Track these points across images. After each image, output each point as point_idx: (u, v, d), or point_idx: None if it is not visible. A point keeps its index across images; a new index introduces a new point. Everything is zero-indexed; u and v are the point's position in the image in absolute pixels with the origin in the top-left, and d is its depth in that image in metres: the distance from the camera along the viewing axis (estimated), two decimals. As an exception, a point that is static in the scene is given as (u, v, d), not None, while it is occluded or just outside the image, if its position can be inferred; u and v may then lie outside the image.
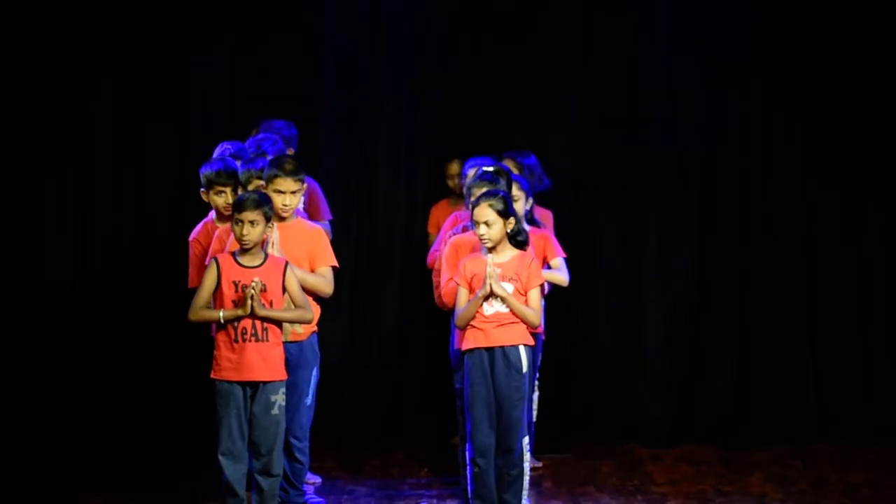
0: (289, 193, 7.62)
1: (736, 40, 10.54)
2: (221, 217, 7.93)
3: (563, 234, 9.16)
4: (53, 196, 10.19)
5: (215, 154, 8.20)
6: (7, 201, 10.13)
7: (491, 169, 7.90)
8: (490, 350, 7.45)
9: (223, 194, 7.92)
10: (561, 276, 8.32)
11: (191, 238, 8.07)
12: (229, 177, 7.92)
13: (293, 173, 7.63)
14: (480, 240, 7.44)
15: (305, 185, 7.81)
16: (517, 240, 7.55)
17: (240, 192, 7.72)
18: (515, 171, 8.57)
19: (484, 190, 7.59)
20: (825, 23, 10.54)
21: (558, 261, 8.29)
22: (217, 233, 7.70)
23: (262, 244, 7.33)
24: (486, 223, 7.40)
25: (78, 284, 10.20)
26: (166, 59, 10.29)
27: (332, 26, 10.42)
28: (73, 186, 10.23)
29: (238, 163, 7.99)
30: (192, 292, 7.44)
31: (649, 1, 10.56)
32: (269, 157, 7.87)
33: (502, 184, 7.75)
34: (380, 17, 10.46)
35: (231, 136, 8.83)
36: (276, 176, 7.60)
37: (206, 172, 7.95)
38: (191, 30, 10.33)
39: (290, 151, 8.71)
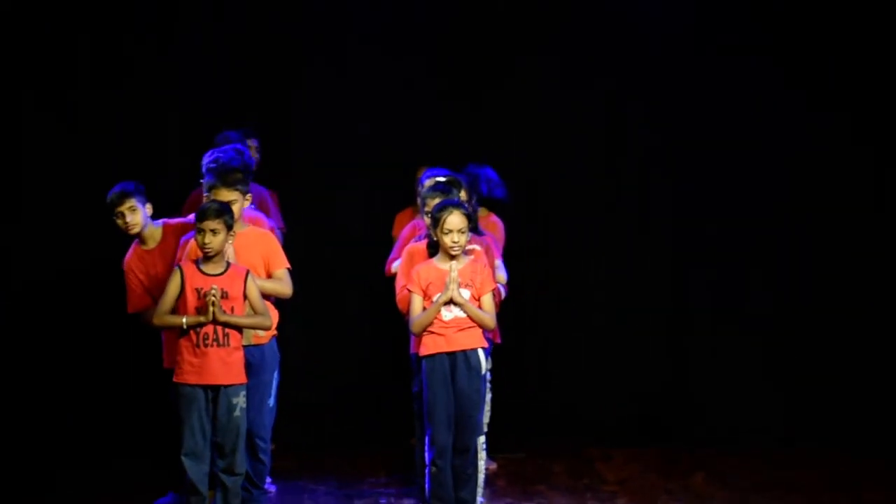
0: (234, 203, 7.47)
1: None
2: (142, 237, 7.92)
3: (518, 239, 9.27)
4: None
5: (205, 160, 8.01)
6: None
7: (443, 179, 7.86)
8: (451, 354, 7.48)
9: (133, 210, 7.82)
10: (500, 273, 8.24)
11: (124, 266, 7.97)
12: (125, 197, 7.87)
13: (232, 184, 7.52)
14: (451, 247, 7.41)
15: (248, 195, 7.68)
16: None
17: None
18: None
19: (437, 199, 7.58)
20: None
21: (497, 262, 8.24)
22: (190, 244, 7.54)
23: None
24: (461, 231, 7.41)
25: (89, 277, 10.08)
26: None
27: (307, 38, 10.37)
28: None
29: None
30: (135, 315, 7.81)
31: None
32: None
33: (455, 193, 7.72)
34: (349, 26, 10.43)
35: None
36: (215, 186, 7.53)
37: (108, 199, 7.87)
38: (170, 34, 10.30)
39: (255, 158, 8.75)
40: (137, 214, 7.83)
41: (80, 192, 10.03)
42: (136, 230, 7.84)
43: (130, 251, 7.97)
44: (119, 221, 7.83)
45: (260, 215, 8.09)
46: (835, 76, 10.52)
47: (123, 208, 7.81)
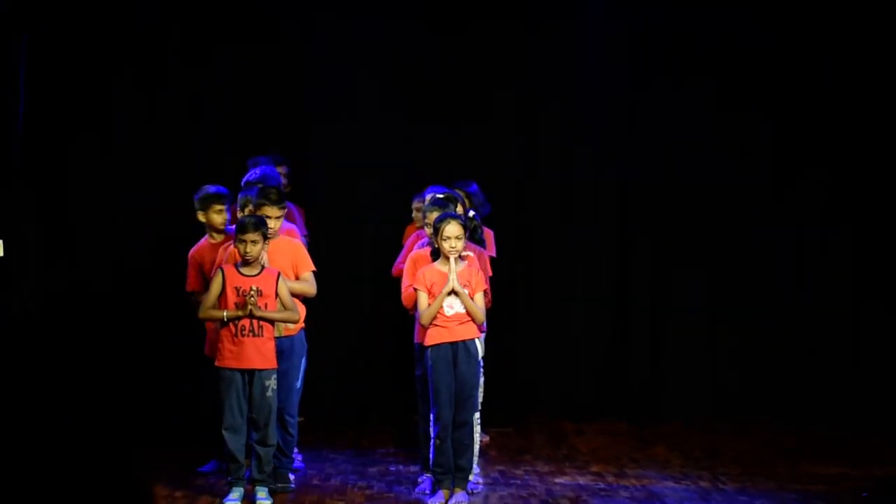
0: (273, 218, 7.66)
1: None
2: (217, 232, 8.07)
3: (505, 243, 9.31)
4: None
5: (249, 177, 8.18)
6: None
7: (442, 196, 7.95)
8: (453, 344, 7.54)
9: (221, 212, 8.04)
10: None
11: (190, 254, 8.13)
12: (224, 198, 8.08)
13: (277, 202, 7.70)
14: (450, 251, 7.51)
15: (286, 209, 7.86)
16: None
17: (239, 215, 7.77)
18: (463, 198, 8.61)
19: (436, 213, 7.68)
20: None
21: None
22: (229, 250, 7.68)
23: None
24: (458, 237, 7.52)
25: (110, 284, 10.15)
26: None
27: (318, 64, 10.42)
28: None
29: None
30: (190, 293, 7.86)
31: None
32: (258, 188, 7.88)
33: (451, 207, 7.82)
34: (362, 56, 10.51)
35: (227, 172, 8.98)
36: (263, 204, 7.66)
37: (203, 195, 8.05)
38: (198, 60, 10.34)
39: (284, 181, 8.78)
40: (223, 214, 8.07)
41: (125, 197, 10.17)
42: (221, 227, 8.05)
43: (202, 242, 8.09)
44: (202, 217, 8.04)
45: (294, 227, 8.18)
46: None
47: (220, 206, 8.05)
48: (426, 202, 8.06)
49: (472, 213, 8.31)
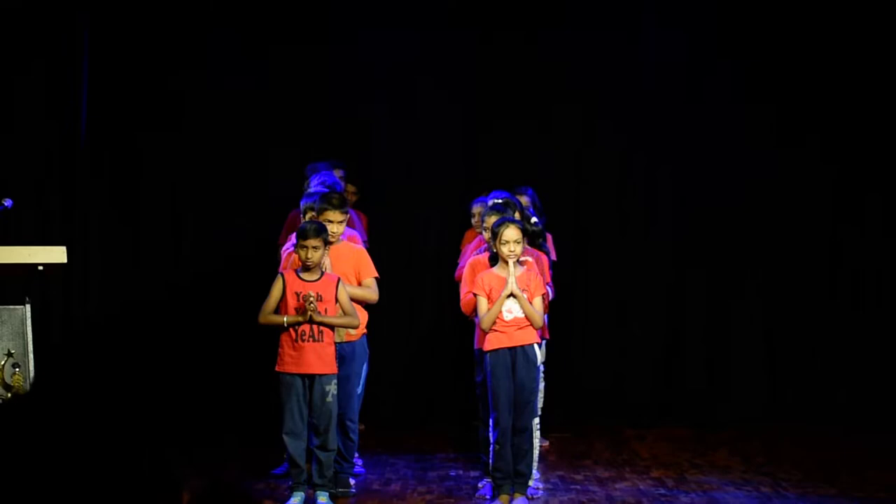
0: (336, 223, 7.59)
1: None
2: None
3: (564, 249, 9.26)
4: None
5: (314, 183, 8.07)
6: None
7: (500, 201, 7.86)
8: (512, 349, 7.44)
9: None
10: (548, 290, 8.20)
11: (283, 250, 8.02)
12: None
13: (339, 206, 7.63)
14: (508, 255, 7.41)
15: (348, 214, 7.79)
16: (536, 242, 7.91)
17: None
18: (524, 202, 8.51)
19: (495, 217, 7.60)
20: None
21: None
22: (292, 256, 7.57)
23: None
24: (516, 241, 7.41)
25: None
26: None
27: (379, 70, 10.35)
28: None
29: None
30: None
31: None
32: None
33: (508, 212, 7.71)
34: (422, 62, 10.44)
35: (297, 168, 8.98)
36: (325, 209, 7.60)
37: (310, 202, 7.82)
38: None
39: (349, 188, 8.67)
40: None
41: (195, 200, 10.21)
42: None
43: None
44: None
45: (356, 234, 8.11)
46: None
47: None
48: (486, 207, 7.97)
49: (534, 220, 8.17)
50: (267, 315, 7.35)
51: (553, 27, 10.46)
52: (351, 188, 8.60)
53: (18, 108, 9.71)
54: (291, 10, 10.32)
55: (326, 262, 7.49)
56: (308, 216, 7.67)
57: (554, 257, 8.70)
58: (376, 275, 7.80)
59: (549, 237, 8.94)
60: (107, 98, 9.99)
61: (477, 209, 8.73)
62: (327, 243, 7.37)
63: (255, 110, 10.27)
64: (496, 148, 10.48)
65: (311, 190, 7.93)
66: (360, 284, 7.73)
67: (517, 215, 7.77)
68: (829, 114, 10.47)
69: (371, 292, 7.75)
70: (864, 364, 10.45)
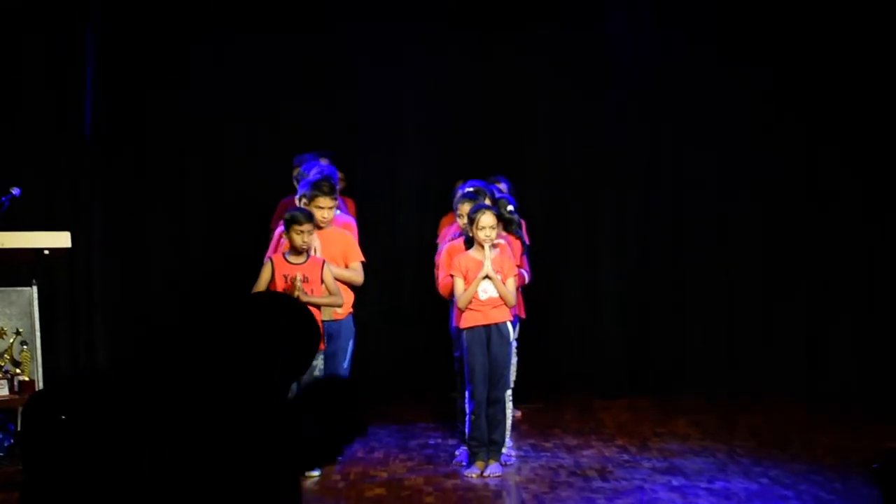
0: (326, 209, 7.68)
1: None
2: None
3: (536, 233, 9.22)
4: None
5: (311, 172, 8.10)
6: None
7: (472, 189, 7.94)
8: (487, 327, 7.56)
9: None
10: (524, 273, 8.28)
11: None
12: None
13: (329, 193, 7.70)
14: (484, 239, 7.53)
15: (337, 201, 7.85)
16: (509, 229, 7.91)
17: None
18: (502, 189, 8.58)
19: (468, 204, 7.71)
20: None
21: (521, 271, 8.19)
22: (283, 241, 7.66)
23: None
24: (491, 227, 7.54)
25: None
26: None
27: (364, 70, 10.38)
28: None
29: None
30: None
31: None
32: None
33: (480, 199, 7.79)
34: (404, 63, 10.48)
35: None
36: (316, 195, 7.68)
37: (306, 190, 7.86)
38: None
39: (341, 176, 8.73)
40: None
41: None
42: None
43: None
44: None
45: (352, 221, 8.14)
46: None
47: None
48: (458, 196, 8.05)
49: (510, 207, 8.27)
50: (255, 297, 7.48)
51: (533, 20, 10.53)
52: (339, 175, 8.69)
53: (26, 97, 9.65)
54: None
55: (316, 244, 7.58)
56: (302, 203, 7.74)
57: (528, 242, 8.77)
58: (363, 259, 7.86)
59: (523, 223, 9.04)
60: (112, 79, 9.97)
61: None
62: (316, 227, 7.46)
63: (253, 94, 10.33)
64: (475, 139, 10.54)
65: (309, 178, 7.98)
66: (347, 267, 7.79)
67: (488, 202, 7.85)
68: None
69: (357, 275, 7.81)
70: (815, 337, 10.52)
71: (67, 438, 2.24)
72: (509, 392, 7.80)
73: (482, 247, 7.59)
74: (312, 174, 8.00)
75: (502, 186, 8.64)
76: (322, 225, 7.67)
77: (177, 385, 2.64)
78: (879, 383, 10.21)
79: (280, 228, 7.73)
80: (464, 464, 7.77)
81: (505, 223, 7.96)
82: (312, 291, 7.41)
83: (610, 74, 10.57)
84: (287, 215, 7.52)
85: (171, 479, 2.49)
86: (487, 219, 7.55)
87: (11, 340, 7.24)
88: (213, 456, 2.71)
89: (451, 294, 7.70)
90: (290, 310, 3.80)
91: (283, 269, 7.43)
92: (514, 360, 8.05)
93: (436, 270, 8.05)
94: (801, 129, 10.53)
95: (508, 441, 7.92)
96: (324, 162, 8.68)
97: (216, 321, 2.76)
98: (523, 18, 10.49)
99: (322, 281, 7.47)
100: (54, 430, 2.25)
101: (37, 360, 7.27)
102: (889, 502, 4.52)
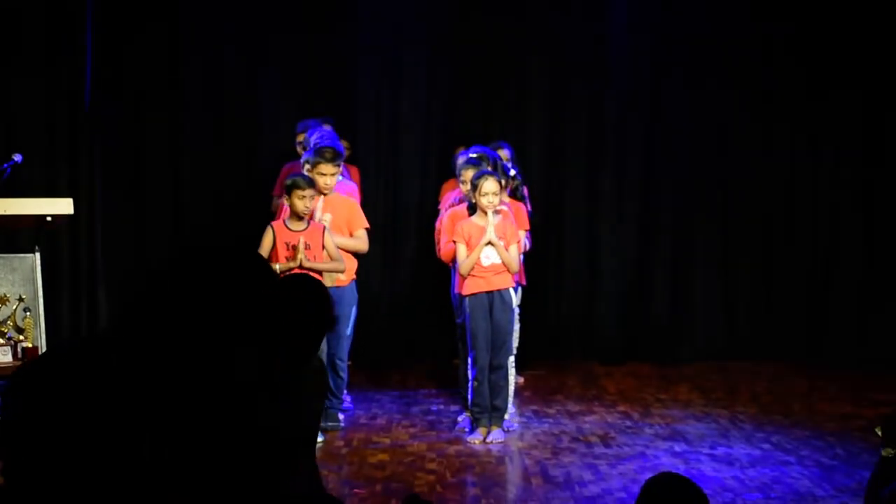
0: (329, 175, 7.60)
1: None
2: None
3: (539, 195, 9.19)
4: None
5: (315, 138, 7.99)
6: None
7: (475, 155, 7.86)
8: (489, 293, 7.50)
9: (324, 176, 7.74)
10: (525, 241, 8.24)
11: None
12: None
13: (332, 160, 7.62)
14: (487, 205, 7.46)
15: (341, 167, 7.78)
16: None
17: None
18: (504, 157, 8.50)
19: (471, 170, 7.62)
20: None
21: (521, 233, 8.12)
22: (285, 207, 7.56)
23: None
24: (494, 193, 7.46)
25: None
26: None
27: (366, 37, 10.23)
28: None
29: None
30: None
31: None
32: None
33: (483, 165, 7.72)
34: (404, 29, 10.34)
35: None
36: (319, 162, 7.60)
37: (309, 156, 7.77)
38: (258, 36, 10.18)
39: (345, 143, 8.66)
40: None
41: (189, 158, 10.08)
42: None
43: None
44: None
45: (355, 188, 8.05)
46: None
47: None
48: (460, 162, 7.98)
49: (513, 172, 8.19)
50: (259, 264, 7.40)
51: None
52: (344, 143, 8.61)
53: (26, 63, 9.53)
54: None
55: (318, 211, 7.53)
56: (305, 170, 7.67)
57: (530, 208, 8.69)
58: (367, 226, 7.82)
59: (525, 189, 8.97)
60: (111, 56, 9.87)
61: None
62: (321, 194, 7.40)
63: (254, 65, 10.22)
64: (476, 107, 10.45)
65: (313, 145, 7.89)
66: (351, 235, 7.73)
67: (491, 168, 7.78)
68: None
69: (361, 242, 7.77)
70: (816, 305, 10.47)
71: (56, 420, 2.02)
72: (512, 358, 7.79)
73: (485, 213, 7.51)
74: (314, 140, 7.91)
75: (505, 153, 8.55)
76: (325, 191, 7.62)
77: (178, 362, 2.49)
78: (880, 349, 10.16)
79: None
80: (466, 430, 7.76)
81: (511, 189, 7.85)
82: (315, 258, 7.34)
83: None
84: (288, 181, 7.47)
85: (172, 465, 2.30)
86: (490, 185, 7.48)
87: (14, 307, 7.17)
88: (216, 441, 2.56)
89: (453, 260, 7.64)
90: (308, 292, 3.94)
91: (283, 236, 7.37)
92: (517, 326, 8.04)
93: (436, 236, 8.00)
94: (800, 127, 10.49)
95: (511, 407, 7.91)
96: (326, 128, 8.59)
97: (224, 298, 2.60)
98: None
99: (323, 247, 7.41)
100: (41, 411, 2.03)
101: (40, 327, 7.21)
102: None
